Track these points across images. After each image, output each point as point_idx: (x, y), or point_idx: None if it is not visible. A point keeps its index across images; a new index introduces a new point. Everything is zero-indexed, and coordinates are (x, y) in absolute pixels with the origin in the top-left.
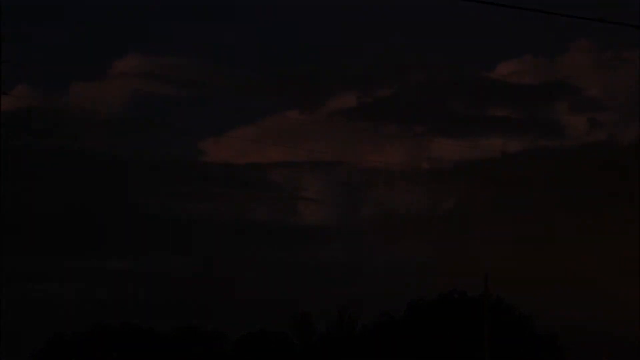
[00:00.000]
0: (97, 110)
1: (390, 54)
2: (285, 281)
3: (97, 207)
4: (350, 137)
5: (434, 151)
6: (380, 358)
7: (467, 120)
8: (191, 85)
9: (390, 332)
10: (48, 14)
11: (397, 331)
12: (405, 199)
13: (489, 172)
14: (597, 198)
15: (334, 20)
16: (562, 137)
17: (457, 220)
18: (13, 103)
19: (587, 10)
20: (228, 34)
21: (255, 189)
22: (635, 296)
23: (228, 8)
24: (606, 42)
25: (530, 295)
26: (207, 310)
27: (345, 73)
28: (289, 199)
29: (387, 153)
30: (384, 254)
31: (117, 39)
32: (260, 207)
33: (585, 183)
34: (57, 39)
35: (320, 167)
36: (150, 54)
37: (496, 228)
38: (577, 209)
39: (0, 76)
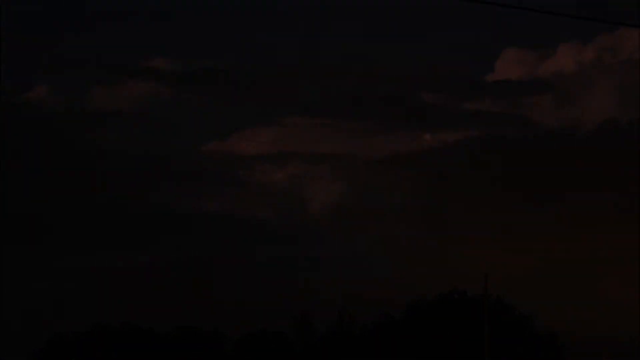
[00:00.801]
0: (100, 110)
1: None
2: (285, 281)
3: (98, 206)
4: (348, 133)
5: (433, 147)
6: (380, 358)
7: (449, 112)
8: (192, 86)
9: (390, 332)
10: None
11: (397, 331)
12: (404, 197)
13: (487, 170)
14: (595, 196)
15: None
16: (552, 133)
17: (457, 220)
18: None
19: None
20: (229, 34)
21: (253, 188)
22: (635, 296)
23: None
24: (588, 38)
25: (530, 295)
26: (207, 310)
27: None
28: (288, 197)
29: (385, 150)
30: (384, 253)
31: (123, 40)
32: (260, 206)
33: (583, 181)
34: (69, 42)
35: (318, 164)
36: (153, 55)
37: (495, 227)
38: (575, 207)
39: (0, 76)
